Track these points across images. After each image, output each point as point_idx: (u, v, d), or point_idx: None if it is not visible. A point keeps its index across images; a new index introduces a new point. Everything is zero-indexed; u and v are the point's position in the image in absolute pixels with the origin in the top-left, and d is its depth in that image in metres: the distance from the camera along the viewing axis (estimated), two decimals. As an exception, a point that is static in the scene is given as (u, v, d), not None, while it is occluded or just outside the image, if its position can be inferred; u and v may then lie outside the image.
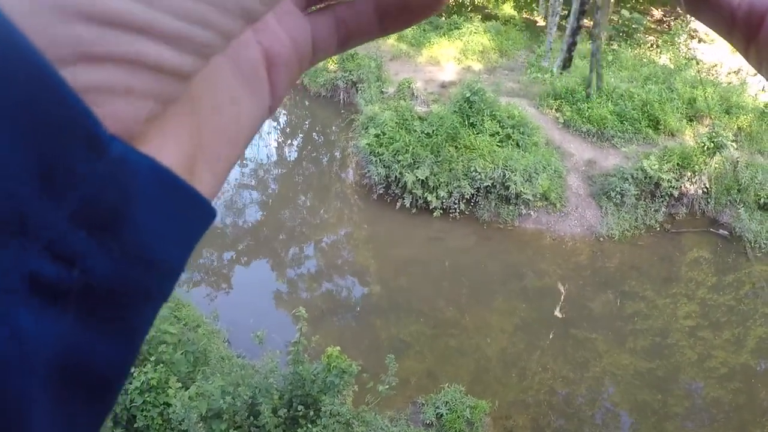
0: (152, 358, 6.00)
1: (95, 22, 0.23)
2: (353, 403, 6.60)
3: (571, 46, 11.76)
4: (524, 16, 20.66)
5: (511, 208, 11.65)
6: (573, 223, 11.83)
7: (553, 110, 13.74)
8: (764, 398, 8.97)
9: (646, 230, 11.99)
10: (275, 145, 15.29)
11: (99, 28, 0.23)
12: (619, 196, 11.83)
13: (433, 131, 11.90)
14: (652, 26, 20.67)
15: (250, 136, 0.35)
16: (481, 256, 11.12)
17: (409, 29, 15.28)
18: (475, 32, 18.02)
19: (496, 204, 11.70)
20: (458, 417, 7.49)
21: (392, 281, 10.38)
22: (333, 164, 14.24)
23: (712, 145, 12.18)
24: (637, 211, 11.99)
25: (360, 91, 14.51)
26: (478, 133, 12.04)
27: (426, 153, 11.60)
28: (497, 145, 12.02)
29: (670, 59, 16.78)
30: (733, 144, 12.41)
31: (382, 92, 14.45)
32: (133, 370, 5.90)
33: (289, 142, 15.78)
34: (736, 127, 13.21)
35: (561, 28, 15.97)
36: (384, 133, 11.87)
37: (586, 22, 13.06)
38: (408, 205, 11.56)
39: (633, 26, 18.67)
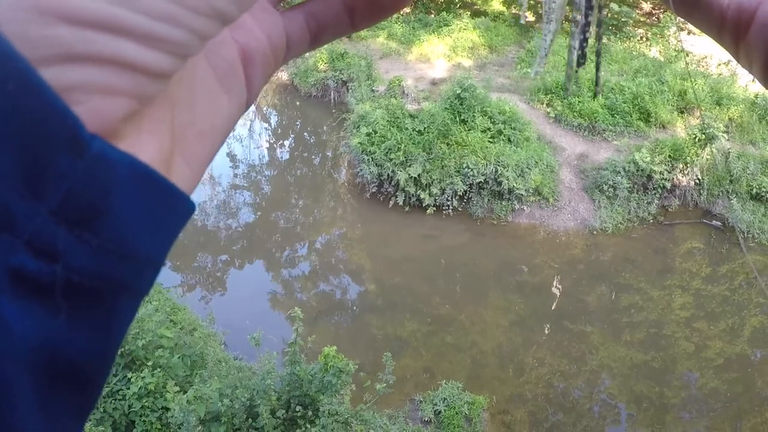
0: (150, 363, 5.99)
1: (74, 23, 0.24)
2: (351, 402, 6.60)
3: (583, 42, 11.81)
4: (513, 11, 20.66)
5: (504, 203, 11.66)
6: (566, 217, 11.85)
7: (544, 105, 13.76)
8: (761, 387, 9.00)
9: (639, 223, 12.01)
10: (267, 146, 15.27)
11: (78, 29, 0.24)
12: (611, 190, 11.86)
13: (424, 128, 11.89)
14: (642, 19, 20.71)
15: (227, 130, 0.36)
16: (475, 252, 11.12)
17: (399, 27, 15.22)
18: (464, 29, 18.03)
19: (489, 200, 11.71)
20: (456, 413, 7.50)
21: (387, 279, 10.38)
22: (325, 164, 14.23)
23: (704, 136, 12.20)
24: (629, 203, 12.01)
25: (351, 90, 14.50)
26: (469, 130, 12.04)
27: (418, 150, 11.60)
28: (489, 141, 12.02)
29: (660, 52, 16.82)
30: (725, 135, 12.44)
31: (372, 91, 14.44)
32: (130, 375, 5.90)
33: (280, 142, 15.75)
34: (727, 118, 13.25)
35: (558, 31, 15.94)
36: (375, 132, 11.86)
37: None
38: (401, 203, 11.57)
39: (622, 19, 18.70)
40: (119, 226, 0.25)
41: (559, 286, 10.45)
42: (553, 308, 9.95)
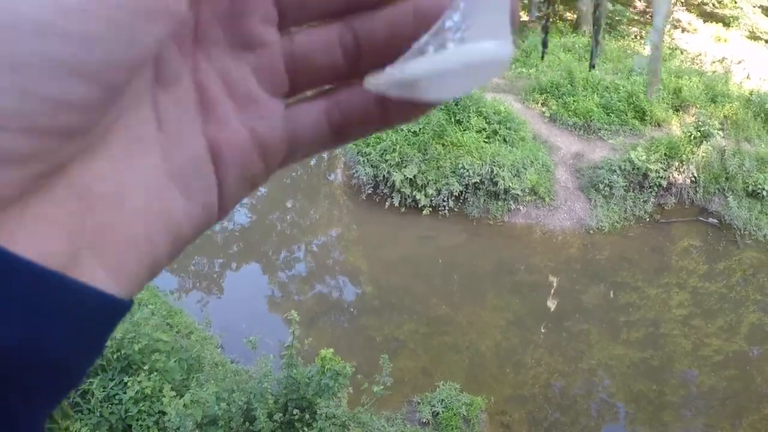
0: (146, 367, 5.97)
1: None
2: (349, 404, 6.58)
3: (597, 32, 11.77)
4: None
5: (500, 203, 11.65)
6: (562, 216, 11.84)
7: (539, 104, 13.75)
8: (759, 384, 9.01)
9: (635, 221, 12.02)
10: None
11: None
12: (607, 188, 11.86)
13: (419, 129, 11.88)
14: (635, 17, 20.74)
15: (181, 239, 0.31)
16: (471, 252, 11.11)
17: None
18: (458, 29, 18.00)
19: (485, 200, 11.69)
20: (454, 414, 7.48)
21: (384, 281, 10.37)
22: (320, 165, 14.20)
23: (699, 134, 12.22)
24: (626, 202, 12.02)
25: (345, 92, 14.46)
26: (464, 130, 12.03)
27: (413, 151, 11.58)
28: (484, 141, 12.02)
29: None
30: (720, 132, 12.46)
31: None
32: (127, 379, 5.87)
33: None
34: (722, 115, 13.26)
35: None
36: (371, 133, 11.84)
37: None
38: (397, 204, 11.55)
39: (616, 18, 18.72)
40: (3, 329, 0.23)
41: (557, 285, 10.45)
42: (552, 309, 9.94)
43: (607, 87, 13.64)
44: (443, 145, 11.76)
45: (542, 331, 9.56)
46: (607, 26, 18.52)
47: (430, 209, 11.56)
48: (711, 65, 15.98)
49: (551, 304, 10.01)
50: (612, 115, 13.16)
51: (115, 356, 5.99)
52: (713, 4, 19.23)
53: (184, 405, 5.51)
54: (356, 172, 11.80)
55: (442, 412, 7.52)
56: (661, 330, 9.80)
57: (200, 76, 0.31)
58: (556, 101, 13.54)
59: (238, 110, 0.32)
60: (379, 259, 10.87)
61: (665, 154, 12.17)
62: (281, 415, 5.97)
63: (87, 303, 0.26)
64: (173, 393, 5.59)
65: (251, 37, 0.31)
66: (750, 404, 8.69)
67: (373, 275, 10.55)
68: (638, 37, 18.35)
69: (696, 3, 19.37)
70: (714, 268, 11.27)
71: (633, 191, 12.11)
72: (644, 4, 21.48)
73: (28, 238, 0.25)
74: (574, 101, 13.36)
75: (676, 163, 12.24)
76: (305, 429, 5.94)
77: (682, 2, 19.11)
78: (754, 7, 18.50)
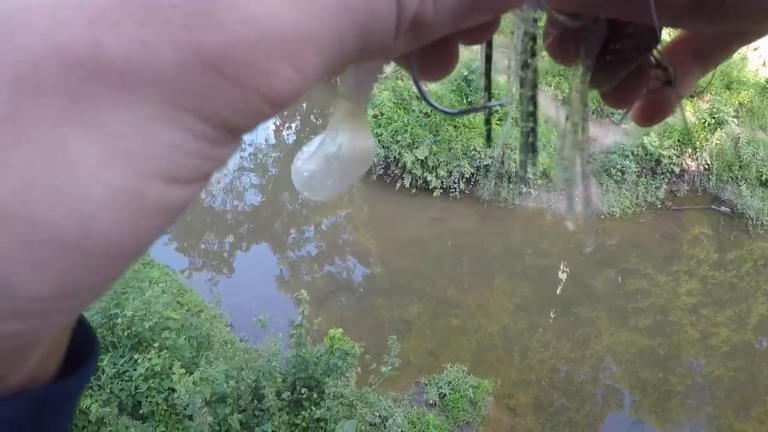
0: (156, 345, 6.01)
1: None
2: (356, 384, 6.62)
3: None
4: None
5: (511, 186, 11.61)
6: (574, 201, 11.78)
7: (552, 87, 13.65)
8: (766, 376, 9.00)
9: (647, 207, 11.96)
10: (273, 128, 15.22)
11: None
12: (619, 174, 11.79)
13: (431, 110, 11.83)
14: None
15: None
16: (482, 235, 11.10)
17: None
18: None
19: (496, 183, 11.66)
20: (461, 396, 7.52)
21: (393, 262, 10.38)
22: (332, 145, 14.17)
23: (713, 121, 12.11)
24: (637, 188, 11.95)
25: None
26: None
27: (425, 133, 11.54)
28: (496, 124, 11.93)
29: (669, 34, 16.63)
30: (734, 120, 12.34)
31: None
32: (137, 356, 5.92)
33: (287, 125, 15.70)
34: (737, 102, 13.12)
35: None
36: (382, 114, 11.80)
37: None
38: (408, 185, 11.52)
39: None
40: None
41: (566, 270, 10.43)
42: (558, 293, 9.94)
43: (622, 71, 13.50)
44: (455, 126, 11.71)
45: (551, 315, 9.57)
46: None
47: (441, 191, 11.54)
48: (727, 51, 15.78)
49: (558, 289, 10.00)
50: (626, 100, 13.04)
51: (125, 333, 6.03)
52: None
53: (194, 382, 5.56)
54: (367, 152, 11.76)
55: (449, 394, 7.56)
56: (670, 318, 9.79)
57: None
58: (570, 84, 13.41)
59: None
60: (389, 240, 10.87)
61: (678, 141, 12.07)
62: (289, 393, 6.02)
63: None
64: (183, 370, 5.63)
65: None
66: (756, 396, 8.69)
67: (382, 256, 10.56)
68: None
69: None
70: (725, 258, 11.22)
71: (645, 177, 12.03)
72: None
73: None
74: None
75: (690, 150, 12.14)
76: (313, 408, 5.99)
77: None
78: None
